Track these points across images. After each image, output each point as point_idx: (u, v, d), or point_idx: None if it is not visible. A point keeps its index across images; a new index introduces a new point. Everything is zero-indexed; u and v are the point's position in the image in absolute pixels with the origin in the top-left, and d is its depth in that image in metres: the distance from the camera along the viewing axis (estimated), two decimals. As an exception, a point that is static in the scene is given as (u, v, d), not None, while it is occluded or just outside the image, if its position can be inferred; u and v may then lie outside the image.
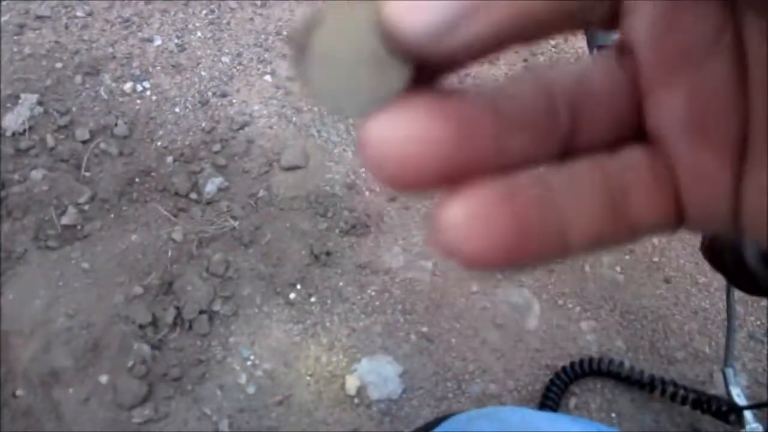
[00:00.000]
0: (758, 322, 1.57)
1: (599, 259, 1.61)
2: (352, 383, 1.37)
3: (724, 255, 1.06)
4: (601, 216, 0.17)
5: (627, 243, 0.18)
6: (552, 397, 1.36)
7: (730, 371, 1.31)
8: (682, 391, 1.37)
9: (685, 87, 0.16)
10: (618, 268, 1.60)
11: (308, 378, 1.38)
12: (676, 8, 0.16)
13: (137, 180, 1.61)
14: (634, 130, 0.18)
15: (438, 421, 1.09)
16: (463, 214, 0.15)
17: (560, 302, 1.54)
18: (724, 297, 1.60)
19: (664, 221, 0.18)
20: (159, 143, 1.69)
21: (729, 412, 1.29)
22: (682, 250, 1.65)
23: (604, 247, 0.18)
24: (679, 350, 1.50)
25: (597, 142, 0.18)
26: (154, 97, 1.77)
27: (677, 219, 0.18)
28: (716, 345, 1.51)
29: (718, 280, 1.61)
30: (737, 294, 1.34)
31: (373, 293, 1.51)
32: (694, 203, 0.17)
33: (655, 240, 1.66)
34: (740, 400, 1.29)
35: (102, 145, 1.65)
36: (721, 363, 1.49)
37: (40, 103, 1.67)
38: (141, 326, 1.38)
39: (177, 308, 1.42)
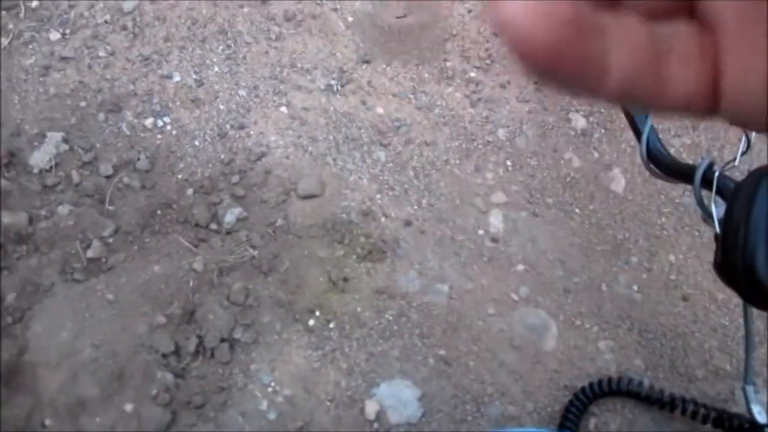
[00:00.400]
0: (780, 338, 1.55)
1: (616, 277, 1.62)
2: (371, 407, 1.38)
3: (738, 273, 1.07)
4: (641, 61, 0.18)
5: (656, 103, 0.19)
6: (571, 418, 1.36)
7: (750, 389, 1.30)
8: (702, 410, 1.36)
9: None
10: (635, 287, 1.61)
11: (328, 403, 1.39)
12: None
13: (159, 212, 1.66)
14: (689, 7, 0.19)
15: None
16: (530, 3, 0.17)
17: (577, 322, 1.54)
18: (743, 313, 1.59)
19: (696, 94, 0.19)
20: (179, 176, 1.74)
21: (751, 430, 1.28)
22: (700, 267, 1.65)
23: (635, 96, 0.18)
24: (699, 368, 1.49)
25: (653, 7, 0.19)
26: (174, 132, 1.82)
27: (710, 101, 0.19)
28: (737, 362, 1.50)
29: (737, 297, 1.60)
30: (756, 310, 1.34)
31: (390, 318, 1.53)
32: (733, 88, 0.18)
33: (672, 257, 1.67)
34: (761, 417, 1.28)
35: (125, 180, 1.70)
36: (741, 380, 1.48)
37: (65, 140, 1.73)
38: (164, 355, 1.41)
39: (199, 337, 1.45)
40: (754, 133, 1.25)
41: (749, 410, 1.31)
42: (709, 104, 0.19)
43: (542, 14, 0.17)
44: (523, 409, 1.41)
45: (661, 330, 1.54)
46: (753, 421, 1.28)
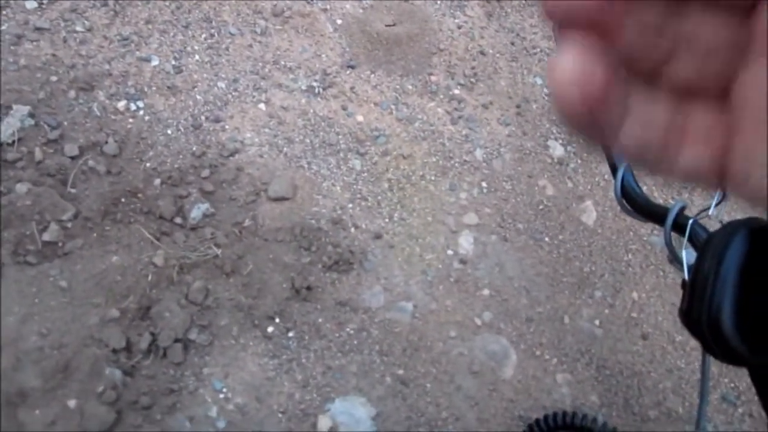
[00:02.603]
0: (732, 384, 1.57)
1: (579, 310, 1.62)
2: (324, 423, 1.36)
3: (702, 324, 1.07)
4: (650, 135, 0.21)
5: (665, 171, 0.22)
6: (523, 449, 1.35)
7: (701, 436, 1.31)
8: (652, 452, 1.37)
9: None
10: (597, 322, 1.61)
11: (280, 415, 1.36)
12: None
13: (123, 200, 1.60)
14: (720, 89, 0.21)
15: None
16: (578, 60, 0.20)
17: (537, 353, 1.54)
18: (700, 357, 1.61)
19: (704, 169, 0.21)
20: (148, 164, 1.68)
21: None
22: (661, 307, 1.66)
23: (644, 161, 0.22)
24: (652, 408, 1.50)
25: (684, 81, 0.21)
26: (146, 117, 1.76)
27: (718, 176, 0.21)
28: (689, 405, 1.52)
29: (695, 340, 1.62)
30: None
31: (351, 332, 1.50)
32: (738, 170, 0.20)
33: (635, 294, 1.68)
34: (710, 465, 1.29)
35: (90, 162, 1.64)
36: (692, 423, 1.50)
37: (31, 115, 1.66)
38: (114, 350, 1.36)
39: (152, 334, 1.40)
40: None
41: (698, 457, 1.32)
42: (717, 179, 0.21)
43: (579, 84, 0.20)
44: (476, 436, 1.40)
45: (619, 367, 1.55)
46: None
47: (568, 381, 1.51)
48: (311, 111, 1.84)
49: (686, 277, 1.23)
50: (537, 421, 1.43)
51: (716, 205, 1.36)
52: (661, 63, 0.21)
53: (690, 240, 1.28)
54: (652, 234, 1.79)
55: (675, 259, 1.35)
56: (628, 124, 0.21)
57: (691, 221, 1.29)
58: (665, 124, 0.21)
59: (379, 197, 1.74)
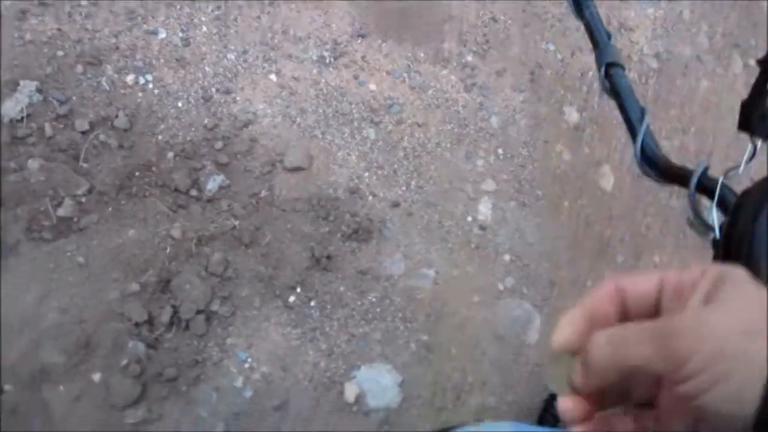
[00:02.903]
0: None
1: (601, 275, 1.61)
2: (350, 390, 1.34)
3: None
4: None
5: None
6: (552, 412, 1.34)
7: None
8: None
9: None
10: (619, 285, 1.60)
11: (306, 383, 1.35)
12: None
13: (137, 174, 1.58)
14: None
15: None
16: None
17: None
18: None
19: None
20: (160, 137, 1.65)
21: None
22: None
23: None
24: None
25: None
26: (156, 91, 1.73)
27: None
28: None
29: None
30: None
31: (373, 300, 1.49)
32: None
33: (657, 258, 1.66)
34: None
35: (101, 137, 1.61)
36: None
37: (39, 90, 1.63)
38: (136, 324, 1.34)
39: (174, 307, 1.38)
40: (760, 141, 1.24)
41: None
42: None
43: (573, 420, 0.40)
44: (502, 400, 1.39)
45: (643, 330, 1.53)
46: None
47: (593, 344, 1.50)
48: (323, 81, 1.81)
49: (717, 235, 1.21)
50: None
51: (747, 162, 1.34)
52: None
53: (717, 201, 1.26)
54: (671, 198, 1.77)
55: (699, 222, 1.33)
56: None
57: (721, 179, 1.27)
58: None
59: (395, 166, 1.71)
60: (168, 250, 1.47)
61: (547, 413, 1.34)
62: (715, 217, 1.24)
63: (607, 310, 0.39)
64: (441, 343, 1.44)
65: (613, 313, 0.39)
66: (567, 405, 0.40)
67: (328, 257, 1.52)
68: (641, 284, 0.39)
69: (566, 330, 0.39)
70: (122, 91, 1.70)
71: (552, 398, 1.38)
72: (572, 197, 1.73)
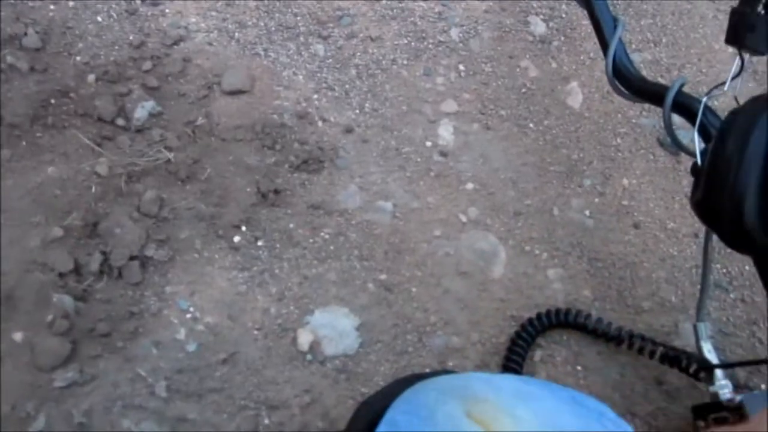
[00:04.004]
0: (724, 270, 1.52)
1: (568, 201, 1.52)
2: (304, 338, 1.25)
3: (722, 214, 0.96)
4: None
5: None
6: (518, 351, 1.28)
7: (702, 326, 1.25)
8: (650, 345, 1.31)
9: None
10: (587, 212, 1.51)
11: (255, 332, 1.24)
12: None
13: (53, 102, 1.39)
14: None
15: (400, 384, 0.98)
16: None
17: (527, 248, 1.44)
18: (693, 245, 1.54)
19: None
20: (78, 58, 1.45)
21: (699, 369, 1.24)
22: (653, 193, 1.56)
23: None
24: (646, 300, 1.43)
25: None
26: (71, 3, 1.51)
27: None
28: (682, 294, 1.46)
29: (687, 227, 1.54)
30: (716, 245, 1.27)
31: (327, 237, 1.37)
32: None
33: (626, 181, 1.57)
34: (711, 356, 1.23)
35: (9, 59, 1.40)
36: (686, 312, 1.44)
37: (-71, 4, 1.40)
38: (61, 275, 1.20)
39: (103, 253, 1.24)
40: (748, 55, 1.12)
41: (699, 348, 1.26)
42: None
43: None
44: (467, 340, 1.32)
45: (611, 259, 1.46)
46: (702, 360, 1.24)
47: (560, 276, 1.42)
48: (263, -11, 1.61)
49: (699, 162, 1.10)
50: (530, 320, 1.35)
51: (733, 78, 1.21)
52: None
53: (694, 121, 1.13)
54: (641, 116, 1.67)
55: (675, 145, 1.21)
56: None
57: (704, 100, 1.14)
58: None
59: (347, 86, 1.56)
60: (94, 189, 1.31)
61: (514, 353, 1.28)
62: (697, 142, 1.13)
63: None
64: (401, 282, 1.34)
65: None
66: None
67: (276, 191, 1.38)
68: None
69: None
70: (30, 5, 1.48)
71: (518, 335, 1.31)
72: (538, 118, 1.61)
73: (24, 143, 1.34)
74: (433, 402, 0.81)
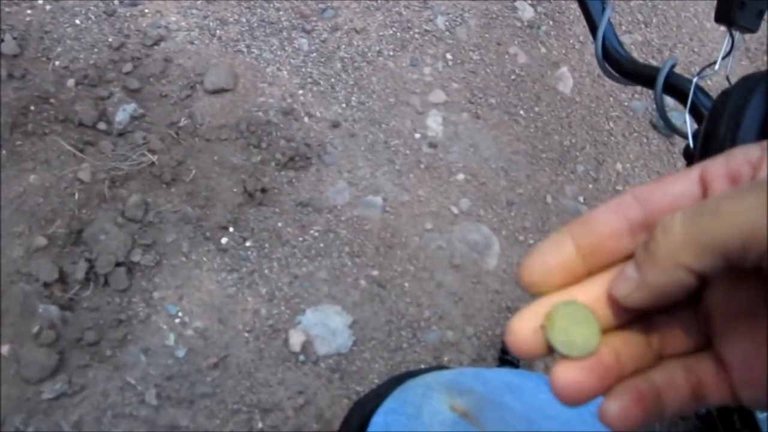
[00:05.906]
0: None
1: (561, 188, 1.49)
2: (296, 338, 1.23)
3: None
4: (687, 398, 0.27)
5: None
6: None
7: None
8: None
9: (745, 339, 0.26)
10: (581, 198, 1.48)
11: (246, 334, 1.22)
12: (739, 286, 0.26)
13: (32, 108, 1.36)
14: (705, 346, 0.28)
15: (393, 383, 0.96)
16: (616, 404, 0.26)
17: (521, 238, 1.41)
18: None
19: (727, 400, 0.27)
20: (57, 63, 1.43)
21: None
22: (646, 177, 1.54)
23: (685, 413, 0.29)
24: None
25: (680, 351, 0.28)
26: (48, 7, 1.48)
27: (736, 398, 0.27)
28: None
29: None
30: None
31: (316, 234, 1.35)
32: (744, 398, 0.27)
33: (619, 166, 1.55)
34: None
35: (-14, 66, 1.38)
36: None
37: None
38: (46, 284, 1.18)
39: (89, 261, 1.22)
40: (738, 33, 1.09)
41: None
42: (736, 400, 0.28)
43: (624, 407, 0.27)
44: (462, 334, 1.29)
45: (607, 245, 1.44)
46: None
47: (555, 265, 1.40)
48: (244, -15, 1.58)
49: (691, 144, 1.07)
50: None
51: (724, 57, 1.18)
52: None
53: (686, 102, 1.11)
54: (633, 99, 1.64)
55: (668, 127, 1.18)
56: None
57: (695, 80, 1.11)
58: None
59: (333, 80, 1.53)
60: (77, 196, 1.29)
61: (507, 353, 1.25)
62: (688, 123, 1.10)
63: (615, 229, 0.26)
64: (393, 278, 1.32)
65: (625, 232, 0.26)
66: (573, 373, 0.25)
67: (263, 190, 1.36)
68: (676, 185, 0.26)
69: (548, 260, 0.25)
70: (7, 10, 1.45)
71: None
72: (529, 104, 1.58)
73: (4, 152, 1.31)
74: (420, 398, 0.79)
